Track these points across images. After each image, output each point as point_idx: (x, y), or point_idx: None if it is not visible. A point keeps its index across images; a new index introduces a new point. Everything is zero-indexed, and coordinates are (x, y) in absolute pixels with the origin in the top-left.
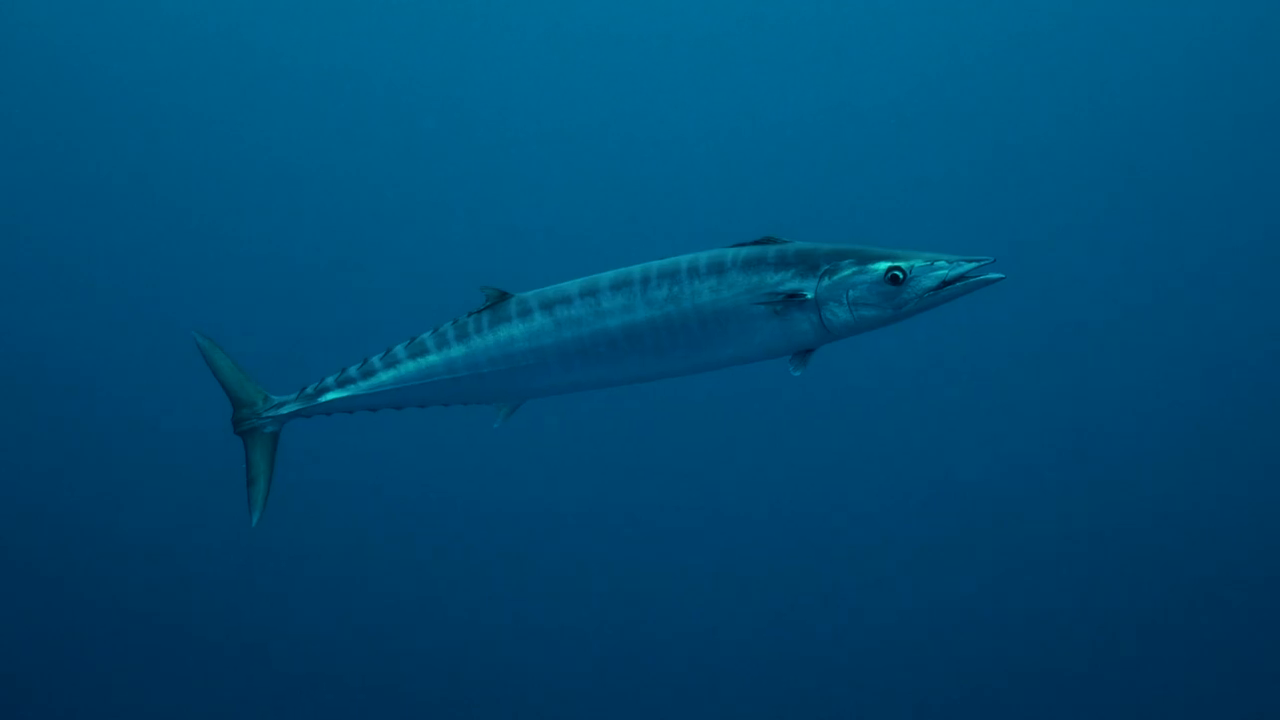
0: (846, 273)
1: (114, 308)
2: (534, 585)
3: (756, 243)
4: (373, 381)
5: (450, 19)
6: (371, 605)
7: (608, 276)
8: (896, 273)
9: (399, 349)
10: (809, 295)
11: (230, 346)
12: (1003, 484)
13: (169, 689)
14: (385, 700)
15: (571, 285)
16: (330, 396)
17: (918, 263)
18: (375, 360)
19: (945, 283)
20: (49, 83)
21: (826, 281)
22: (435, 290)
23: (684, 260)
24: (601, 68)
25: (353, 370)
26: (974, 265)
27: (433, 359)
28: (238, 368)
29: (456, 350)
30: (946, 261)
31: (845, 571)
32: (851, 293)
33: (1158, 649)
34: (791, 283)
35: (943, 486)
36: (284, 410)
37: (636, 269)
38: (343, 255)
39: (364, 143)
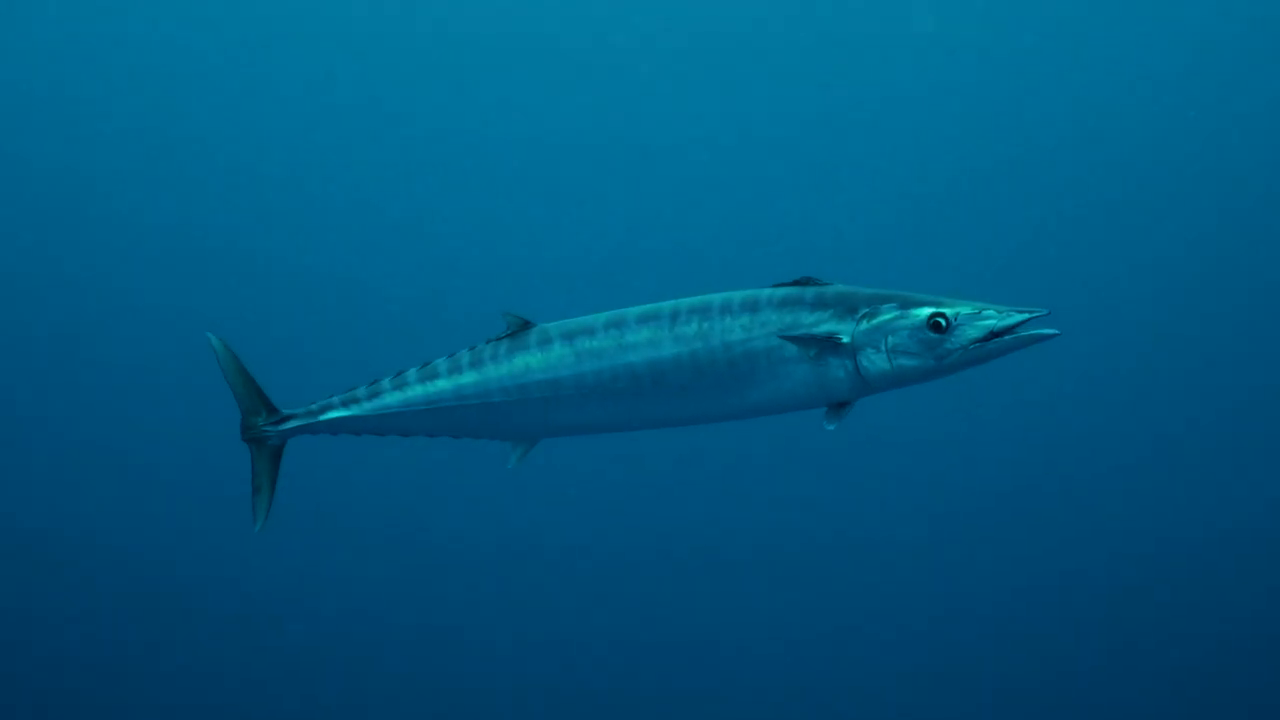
0: (887, 317)
1: (158, 312)
2: (534, 609)
3: (795, 283)
4: (378, 403)
5: (484, 37)
6: (370, 618)
7: (636, 310)
8: (939, 319)
9: (410, 372)
10: (845, 339)
11: (273, 362)
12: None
13: (164, 689)
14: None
15: (598, 318)
16: (332, 415)
17: (964, 310)
18: (385, 382)
19: (993, 334)
20: (62, 90)
21: (865, 325)
22: (481, 316)
23: (717, 297)
24: (650, 97)
25: (361, 390)
26: (1026, 317)
27: (442, 384)
28: (249, 376)
29: (468, 377)
30: (996, 311)
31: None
32: (891, 339)
33: None
34: (828, 324)
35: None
36: (288, 425)
37: (667, 304)
38: (399, 276)
39: (421, 164)
